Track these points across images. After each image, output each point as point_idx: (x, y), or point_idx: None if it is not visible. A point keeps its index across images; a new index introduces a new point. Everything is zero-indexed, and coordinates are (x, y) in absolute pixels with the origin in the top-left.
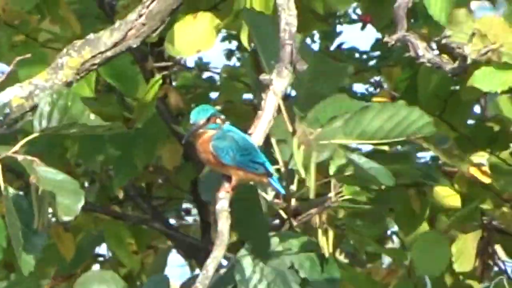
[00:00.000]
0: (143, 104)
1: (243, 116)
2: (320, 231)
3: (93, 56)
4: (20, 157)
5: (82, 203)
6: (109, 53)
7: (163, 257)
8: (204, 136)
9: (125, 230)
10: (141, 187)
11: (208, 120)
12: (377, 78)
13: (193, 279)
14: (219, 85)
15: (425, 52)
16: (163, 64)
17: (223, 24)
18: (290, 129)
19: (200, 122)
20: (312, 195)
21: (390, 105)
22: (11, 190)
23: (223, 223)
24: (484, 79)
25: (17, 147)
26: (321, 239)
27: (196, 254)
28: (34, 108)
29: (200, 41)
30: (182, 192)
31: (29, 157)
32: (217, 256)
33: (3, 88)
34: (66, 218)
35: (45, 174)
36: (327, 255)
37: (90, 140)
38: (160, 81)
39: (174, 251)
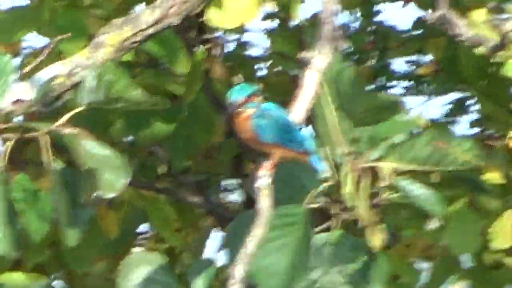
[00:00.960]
0: (191, 78)
1: (285, 90)
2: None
3: (134, 34)
4: (66, 130)
5: (127, 179)
6: (150, 31)
7: (204, 236)
8: (244, 115)
9: (169, 207)
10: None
11: (248, 98)
12: (415, 57)
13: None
14: (265, 57)
15: (465, 30)
16: (205, 36)
17: None
18: (343, 149)
19: (240, 101)
20: (363, 222)
21: (442, 134)
22: (58, 164)
23: (264, 200)
24: None
25: (62, 120)
26: (371, 235)
27: None
28: (75, 86)
29: (243, 12)
30: (224, 168)
31: (74, 130)
32: (257, 234)
33: (44, 64)
34: (109, 195)
35: (90, 148)
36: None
37: (138, 114)
38: (205, 53)
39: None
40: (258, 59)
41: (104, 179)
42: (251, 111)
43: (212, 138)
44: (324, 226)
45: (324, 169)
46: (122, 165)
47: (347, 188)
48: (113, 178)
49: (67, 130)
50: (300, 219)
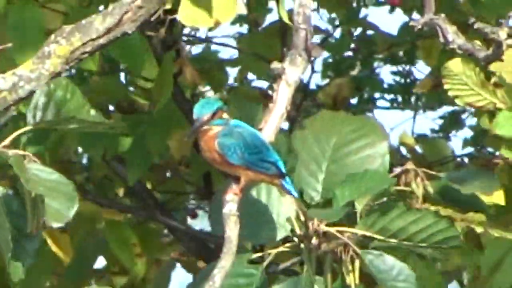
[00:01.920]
0: (160, 84)
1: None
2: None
3: (84, 44)
4: (10, 152)
5: (75, 208)
6: (101, 40)
7: (167, 271)
8: (209, 133)
9: (129, 230)
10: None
11: (214, 115)
12: (406, 66)
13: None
14: (235, 60)
15: (455, 37)
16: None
17: None
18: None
19: (205, 118)
20: None
21: (416, 210)
22: (1, 190)
23: (231, 229)
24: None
25: (7, 141)
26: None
27: (207, 253)
28: (18, 102)
29: (218, 10)
30: (191, 186)
31: (20, 152)
32: (224, 265)
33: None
34: (55, 224)
35: (37, 173)
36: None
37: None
38: (173, 56)
39: (178, 265)
40: (229, 61)
41: (52, 207)
42: (218, 128)
43: (165, 146)
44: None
45: (295, 193)
46: (71, 191)
47: None
48: (61, 207)
49: (12, 152)
50: (257, 281)
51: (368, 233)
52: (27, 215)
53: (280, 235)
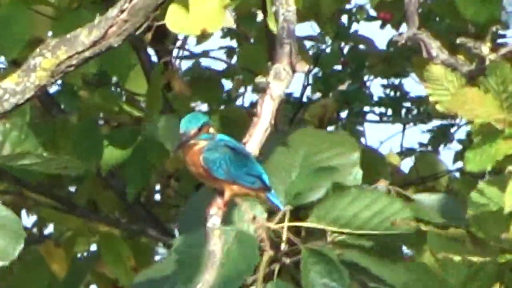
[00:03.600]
0: (150, 98)
1: (239, 123)
2: None
3: (70, 57)
4: None
5: (21, 247)
6: (87, 53)
7: None
8: (195, 148)
9: (123, 243)
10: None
11: (200, 129)
12: (396, 81)
13: None
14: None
15: (438, 52)
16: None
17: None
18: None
19: (191, 132)
20: None
21: (369, 192)
22: None
23: (215, 243)
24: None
25: None
26: None
27: None
28: (4, 115)
29: (206, 19)
30: (185, 199)
31: None
32: (208, 280)
33: None
34: (1, 263)
35: None
36: None
37: (86, 138)
38: (162, 68)
39: None
40: (222, 73)
41: None
42: (204, 143)
43: (167, 163)
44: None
45: (282, 206)
46: (19, 230)
47: None
48: (7, 246)
49: None
50: None
51: (319, 226)
52: None
53: None
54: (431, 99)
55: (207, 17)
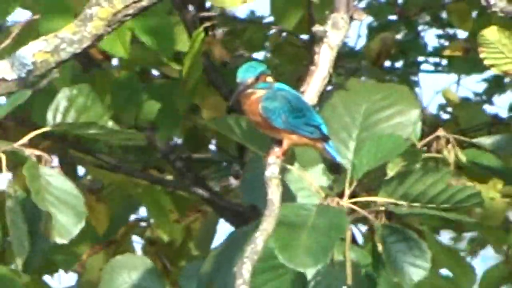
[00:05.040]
0: (190, 64)
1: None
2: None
3: (126, 6)
4: (27, 152)
5: (82, 224)
6: (144, 3)
7: (211, 223)
8: (253, 97)
9: (165, 197)
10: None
11: (258, 78)
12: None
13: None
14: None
15: (497, 0)
16: (206, 14)
17: None
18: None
19: (248, 81)
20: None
21: (433, 173)
22: (15, 189)
23: (273, 192)
24: None
25: (24, 139)
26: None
27: (245, 223)
28: (60, 64)
29: None
30: (226, 154)
31: (37, 152)
32: (266, 228)
33: (24, 41)
34: (59, 240)
35: (50, 179)
36: None
37: (123, 90)
38: (202, 35)
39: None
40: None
41: (59, 222)
42: (262, 92)
43: (190, 101)
44: None
45: (338, 157)
46: (80, 206)
47: None
48: (68, 223)
49: (28, 152)
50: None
51: (390, 200)
52: (41, 216)
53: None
54: (486, 62)
55: None
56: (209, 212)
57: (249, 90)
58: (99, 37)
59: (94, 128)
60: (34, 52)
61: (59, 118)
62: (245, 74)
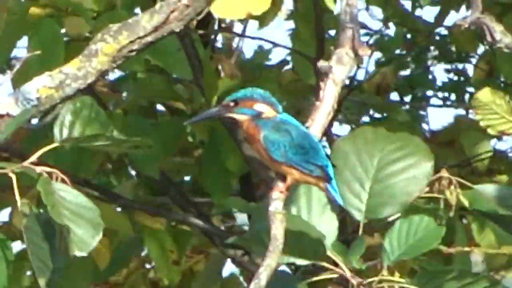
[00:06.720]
0: (208, 88)
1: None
2: None
3: (131, 42)
4: (38, 169)
5: (100, 236)
6: (149, 38)
7: (216, 265)
8: (250, 124)
9: (165, 235)
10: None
11: (236, 103)
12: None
13: None
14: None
15: (502, 36)
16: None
17: None
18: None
19: (224, 104)
20: None
21: (470, 275)
22: (28, 207)
23: (277, 227)
24: None
25: (34, 157)
26: None
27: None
28: (64, 100)
29: (251, 1)
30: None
31: (47, 169)
32: (270, 264)
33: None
34: (78, 253)
35: (63, 194)
36: None
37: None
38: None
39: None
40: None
41: (77, 235)
42: (243, 117)
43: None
44: None
45: (340, 200)
46: (96, 218)
47: None
48: (85, 236)
49: (39, 169)
50: None
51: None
52: (56, 233)
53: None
54: (482, 124)
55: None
56: (213, 254)
57: (227, 114)
58: (103, 73)
59: (101, 139)
60: (39, 88)
61: (65, 133)
62: (230, 96)
